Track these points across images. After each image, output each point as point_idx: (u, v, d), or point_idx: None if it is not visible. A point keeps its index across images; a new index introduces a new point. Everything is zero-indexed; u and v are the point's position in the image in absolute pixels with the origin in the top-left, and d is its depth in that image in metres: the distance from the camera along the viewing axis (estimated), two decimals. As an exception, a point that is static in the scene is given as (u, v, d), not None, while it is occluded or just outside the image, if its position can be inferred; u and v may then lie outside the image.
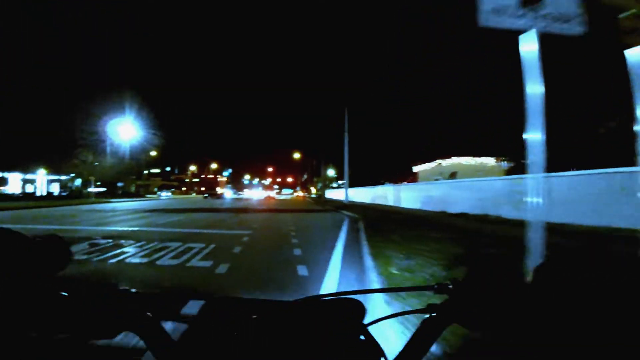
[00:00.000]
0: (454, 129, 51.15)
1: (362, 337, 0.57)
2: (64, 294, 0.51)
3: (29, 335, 0.50)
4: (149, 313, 0.55)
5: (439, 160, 43.02)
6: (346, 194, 32.19)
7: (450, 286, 0.55)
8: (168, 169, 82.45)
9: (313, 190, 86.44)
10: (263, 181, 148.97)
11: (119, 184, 62.43)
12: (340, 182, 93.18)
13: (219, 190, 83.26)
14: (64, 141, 51.87)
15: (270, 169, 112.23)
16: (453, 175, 28.66)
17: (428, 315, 0.55)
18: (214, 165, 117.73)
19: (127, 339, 0.54)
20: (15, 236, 0.52)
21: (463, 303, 0.53)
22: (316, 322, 0.57)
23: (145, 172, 77.02)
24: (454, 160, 41.81)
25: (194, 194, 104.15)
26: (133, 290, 0.58)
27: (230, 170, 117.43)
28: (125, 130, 58.25)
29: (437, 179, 30.31)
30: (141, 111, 60.02)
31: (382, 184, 37.67)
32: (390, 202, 27.73)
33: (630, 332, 0.43)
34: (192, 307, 0.57)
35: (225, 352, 0.54)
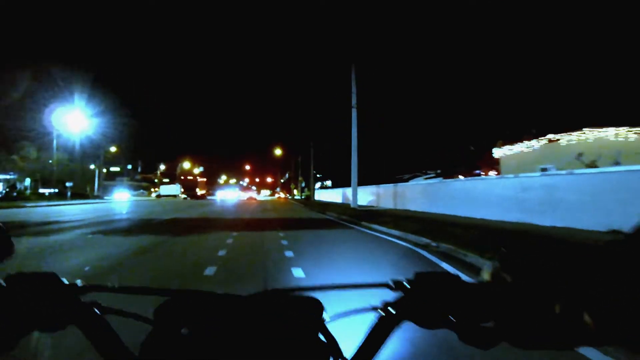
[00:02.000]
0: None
1: (320, 336, 0.57)
2: (1, 282, 0.51)
3: None
4: (95, 307, 0.54)
5: (552, 136, 20.73)
6: (354, 195, 23.35)
7: (406, 284, 0.54)
8: (129, 166, 72.39)
9: (295, 191, 78.03)
10: (240, 182, 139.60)
11: (68, 184, 52.75)
12: (325, 182, 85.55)
13: (199, 191, 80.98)
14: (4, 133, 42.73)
15: (247, 167, 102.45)
16: (592, 164, 15.23)
17: (383, 313, 0.54)
18: (186, 164, 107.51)
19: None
20: None
21: (416, 301, 0.52)
22: (271, 319, 0.57)
23: (104, 170, 66.86)
24: (593, 133, 19.91)
25: (183, 196, 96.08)
26: (85, 284, 0.55)
27: (201, 169, 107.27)
28: (75, 121, 48.72)
29: (542, 169, 17.35)
30: (97, 99, 50.87)
31: (401, 180, 29.79)
32: (425, 208, 18.76)
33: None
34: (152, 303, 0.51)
35: (172, 351, 0.53)
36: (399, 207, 22.31)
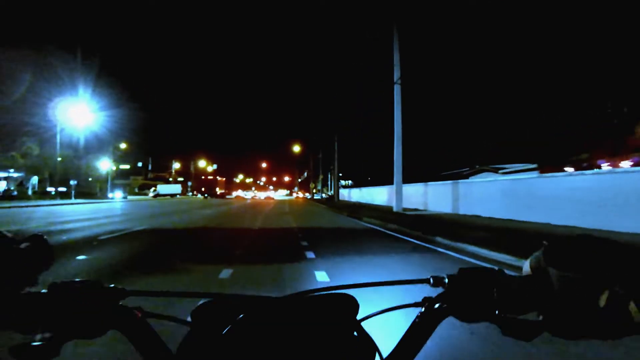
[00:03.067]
0: None
1: (355, 334, 0.57)
2: (43, 291, 0.52)
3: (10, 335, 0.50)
4: (136, 311, 0.55)
5: None
6: (398, 196, 18.15)
7: (446, 280, 0.54)
8: (139, 164, 68.59)
9: (314, 190, 73.33)
10: (257, 181, 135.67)
11: (72, 182, 49.27)
12: (345, 182, 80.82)
13: (218, 190, 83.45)
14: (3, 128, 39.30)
15: (264, 165, 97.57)
16: None
17: (423, 309, 0.54)
18: (202, 162, 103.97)
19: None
20: None
21: (458, 296, 0.52)
22: (307, 319, 0.58)
23: (113, 168, 63.30)
24: None
25: (199, 195, 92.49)
26: (125, 288, 0.56)
27: (215, 166, 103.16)
28: (80, 115, 45.01)
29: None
30: (104, 92, 47.27)
31: (458, 176, 24.57)
32: (505, 214, 13.55)
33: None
34: (187, 307, 0.57)
35: (211, 352, 0.55)
36: (462, 211, 16.99)
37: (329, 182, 60.56)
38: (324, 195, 59.94)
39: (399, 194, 17.55)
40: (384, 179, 42.11)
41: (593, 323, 0.43)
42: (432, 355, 2.30)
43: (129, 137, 64.46)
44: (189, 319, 0.58)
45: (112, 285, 0.56)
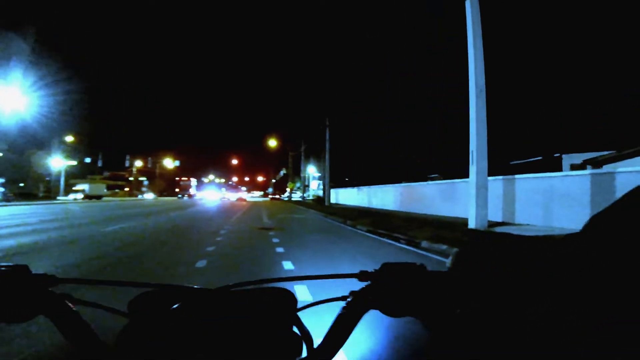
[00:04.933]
0: None
1: (293, 326, 0.59)
2: None
3: None
4: (65, 299, 0.54)
5: None
6: (479, 199, 10.20)
7: (373, 274, 0.56)
8: (87, 160, 58.55)
9: (288, 190, 65.55)
10: (229, 181, 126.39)
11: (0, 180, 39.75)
12: (321, 182, 72.87)
13: (191, 191, 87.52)
14: None
15: (235, 162, 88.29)
16: None
17: (347, 302, 0.56)
18: (166, 161, 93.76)
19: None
20: None
21: (382, 289, 0.54)
22: (244, 311, 0.59)
23: (60, 167, 53.36)
24: None
25: (148, 195, 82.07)
26: (55, 275, 0.55)
27: (177, 163, 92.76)
28: (10, 99, 35.53)
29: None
30: (44, 72, 38.02)
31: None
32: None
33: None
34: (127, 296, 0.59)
35: (148, 343, 0.55)
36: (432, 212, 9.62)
37: (307, 181, 52.78)
38: (307, 196, 52.06)
39: (482, 194, 9.93)
40: (367, 179, 34.86)
41: (510, 322, 0.43)
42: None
43: (75, 128, 54.82)
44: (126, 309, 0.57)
45: (47, 273, 0.55)
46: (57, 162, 53.87)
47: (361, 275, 0.56)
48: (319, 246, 8.16)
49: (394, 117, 34.84)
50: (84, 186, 51.78)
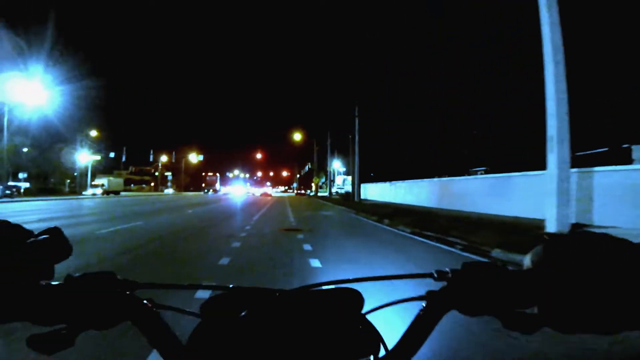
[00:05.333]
0: None
1: (361, 327, 0.59)
2: (55, 283, 0.53)
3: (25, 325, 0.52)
4: (147, 303, 0.57)
5: None
6: None
7: (449, 274, 0.55)
8: (112, 154, 58.76)
9: (313, 186, 64.06)
10: (253, 177, 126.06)
11: (22, 175, 39.79)
12: (347, 177, 71.23)
13: (216, 186, 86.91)
14: None
15: (259, 156, 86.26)
16: None
17: (426, 302, 0.56)
18: (191, 156, 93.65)
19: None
20: (15, 229, 0.53)
21: (461, 289, 0.53)
22: (314, 312, 0.59)
23: (86, 162, 53.52)
24: None
25: (168, 190, 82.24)
26: (136, 281, 0.57)
27: (201, 157, 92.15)
28: (33, 94, 35.34)
29: None
30: (68, 68, 37.74)
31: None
32: None
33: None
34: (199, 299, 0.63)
35: (220, 344, 0.57)
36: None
37: (333, 177, 50.96)
38: (337, 191, 50.09)
39: (564, 189, 7.81)
40: (398, 174, 32.51)
41: (590, 318, 0.44)
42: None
43: (99, 123, 54.81)
44: (199, 311, 0.59)
45: (128, 278, 0.57)
46: (84, 157, 54.06)
47: (437, 275, 0.55)
48: (361, 257, 6.37)
49: (430, 104, 32.29)
50: (103, 181, 51.34)
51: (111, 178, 53.67)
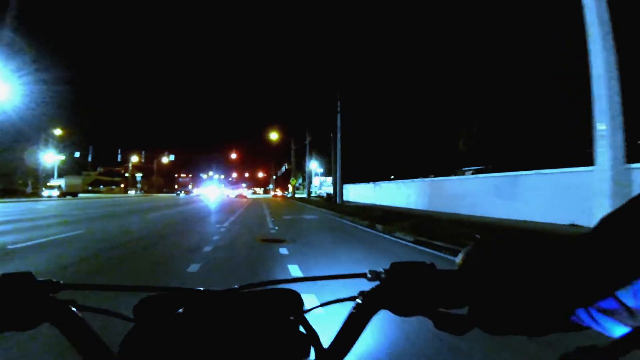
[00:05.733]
0: None
1: (300, 327, 0.59)
2: None
3: None
4: (70, 305, 0.54)
5: None
6: None
7: (383, 274, 0.55)
8: (76, 154, 55.01)
9: (290, 187, 62.14)
10: (229, 178, 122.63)
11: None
12: (327, 178, 69.92)
13: (189, 188, 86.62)
14: None
15: (234, 156, 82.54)
16: None
17: (359, 301, 0.56)
18: (167, 158, 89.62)
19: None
20: None
21: (392, 289, 0.53)
22: (250, 312, 0.58)
23: (52, 162, 49.73)
24: None
25: (131, 192, 78.28)
26: (59, 281, 0.55)
27: (172, 157, 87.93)
28: None
29: None
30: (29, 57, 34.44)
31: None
32: None
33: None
34: (132, 301, 0.56)
35: (154, 348, 0.54)
36: None
37: (311, 178, 49.15)
38: (317, 193, 48.02)
39: (617, 189, 6.22)
40: (382, 174, 30.91)
41: (518, 319, 0.44)
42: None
43: (63, 120, 51.04)
44: (131, 314, 0.56)
45: (52, 279, 0.55)
46: (49, 157, 50.43)
47: (370, 275, 0.56)
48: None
49: (418, 97, 30.45)
50: (60, 182, 46.34)
51: (69, 178, 48.26)
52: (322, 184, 65.62)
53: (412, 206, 19.16)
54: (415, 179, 19.96)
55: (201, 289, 0.59)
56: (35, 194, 44.14)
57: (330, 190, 35.07)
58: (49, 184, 44.94)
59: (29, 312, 0.51)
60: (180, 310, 0.56)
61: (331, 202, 26.82)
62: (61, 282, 0.55)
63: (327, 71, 27.25)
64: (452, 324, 0.48)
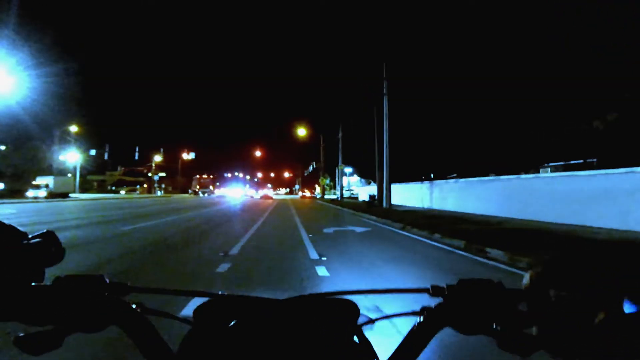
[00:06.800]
0: None
1: (355, 339, 0.59)
2: (45, 284, 0.53)
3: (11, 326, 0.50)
4: (134, 307, 0.56)
5: None
6: None
7: (446, 290, 0.55)
8: (93, 152, 51.97)
9: (317, 189, 57.84)
10: (252, 177, 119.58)
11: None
12: (350, 177, 65.12)
13: (210, 189, 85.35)
14: None
15: (259, 153, 78.37)
16: None
17: (421, 318, 0.55)
18: (187, 155, 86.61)
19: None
20: (9, 230, 0.53)
21: (457, 306, 0.53)
22: (308, 322, 0.59)
23: (74, 161, 47.11)
24: None
25: (160, 192, 75.32)
26: (127, 284, 0.58)
27: (192, 155, 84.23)
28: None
29: None
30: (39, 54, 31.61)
31: None
32: None
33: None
34: (192, 306, 0.61)
35: (212, 352, 0.56)
36: None
37: (340, 176, 44.29)
38: (355, 193, 42.93)
39: None
40: (437, 171, 25.80)
41: (590, 344, 0.42)
42: None
43: (77, 117, 48.30)
44: (190, 317, 0.59)
45: (120, 281, 0.57)
46: (71, 156, 47.83)
47: (433, 291, 0.55)
48: None
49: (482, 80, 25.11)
50: (48, 180, 38.81)
51: (58, 177, 41.35)
52: (349, 185, 61.10)
53: (492, 212, 14.17)
54: (501, 177, 14.87)
55: (260, 296, 0.59)
56: (21, 194, 38.47)
57: (358, 191, 30.34)
58: (34, 182, 38.30)
59: (100, 314, 0.52)
60: (239, 317, 0.57)
61: (374, 206, 21.88)
62: (129, 285, 0.56)
63: (369, 44, 22.44)
64: (518, 344, 0.47)
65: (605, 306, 0.40)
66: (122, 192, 72.28)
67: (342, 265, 5.56)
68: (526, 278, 0.47)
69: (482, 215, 14.38)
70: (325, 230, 10.44)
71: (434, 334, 0.53)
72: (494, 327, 0.49)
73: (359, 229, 10.97)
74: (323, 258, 6.08)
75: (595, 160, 17.66)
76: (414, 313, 0.56)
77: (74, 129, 49.06)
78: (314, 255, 6.40)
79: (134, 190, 79.60)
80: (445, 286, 0.54)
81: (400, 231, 10.68)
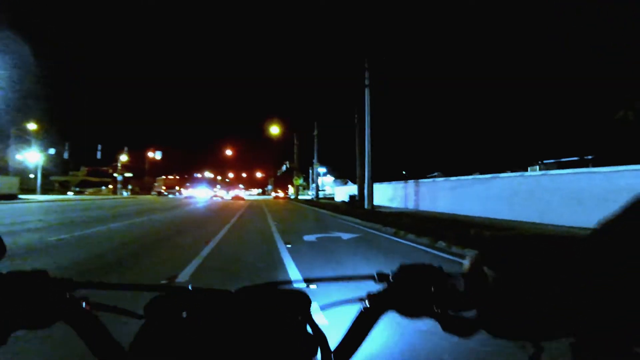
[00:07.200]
0: None
1: (308, 328, 0.60)
2: None
3: None
4: (84, 303, 0.55)
5: None
6: None
7: (391, 277, 0.56)
8: (51, 151, 48.13)
9: (291, 189, 56.14)
10: (224, 178, 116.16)
11: None
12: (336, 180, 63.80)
13: (177, 189, 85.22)
14: None
15: (229, 152, 75.14)
16: None
17: (366, 303, 0.57)
18: (154, 154, 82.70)
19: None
20: None
21: (399, 291, 0.55)
22: (259, 314, 0.59)
23: (36, 161, 43.10)
24: None
25: (126, 193, 71.19)
26: (72, 279, 0.56)
27: (159, 155, 79.65)
28: None
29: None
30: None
31: None
32: None
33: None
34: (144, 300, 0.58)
35: (164, 346, 0.56)
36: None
37: (315, 176, 42.71)
38: (330, 193, 41.36)
39: None
40: (419, 169, 24.52)
41: (527, 323, 0.44)
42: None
43: (36, 114, 44.41)
44: (140, 312, 0.57)
45: (67, 277, 0.55)
46: (32, 156, 43.93)
47: (378, 277, 0.57)
48: None
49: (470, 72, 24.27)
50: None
51: (1, 177, 35.69)
52: (322, 185, 59.66)
53: (494, 215, 12.82)
54: (501, 174, 13.52)
55: (210, 288, 0.59)
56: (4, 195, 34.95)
57: (334, 191, 28.80)
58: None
59: (44, 310, 0.51)
60: (190, 309, 0.56)
61: (355, 207, 20.24)
62: (75, 280, 0.54)
63: (349, 38, 20.90)
64: (459, 326, 0.48)
65: (538, 287, 0.42)
66: (85, 193, 67.79)
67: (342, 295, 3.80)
68: (466, 262, 0.49)
69: (483, 218, 12.93)
70: (306, 238, 8.66)
71: (377, 318, 0.55)
72: (435, 309, 0.50)
73: (345, 236, 9.25)
74: (311, 286, 4.26)
75: (590, 157, 16.69)
76: (360, 299, 0.57)
77: (32, 126, 45.12)
78: (297, 278, 4.56)
79: (99, 191, 75.30)
80: (390, 273, 0.55)
81: (394, 237, 9.09)
